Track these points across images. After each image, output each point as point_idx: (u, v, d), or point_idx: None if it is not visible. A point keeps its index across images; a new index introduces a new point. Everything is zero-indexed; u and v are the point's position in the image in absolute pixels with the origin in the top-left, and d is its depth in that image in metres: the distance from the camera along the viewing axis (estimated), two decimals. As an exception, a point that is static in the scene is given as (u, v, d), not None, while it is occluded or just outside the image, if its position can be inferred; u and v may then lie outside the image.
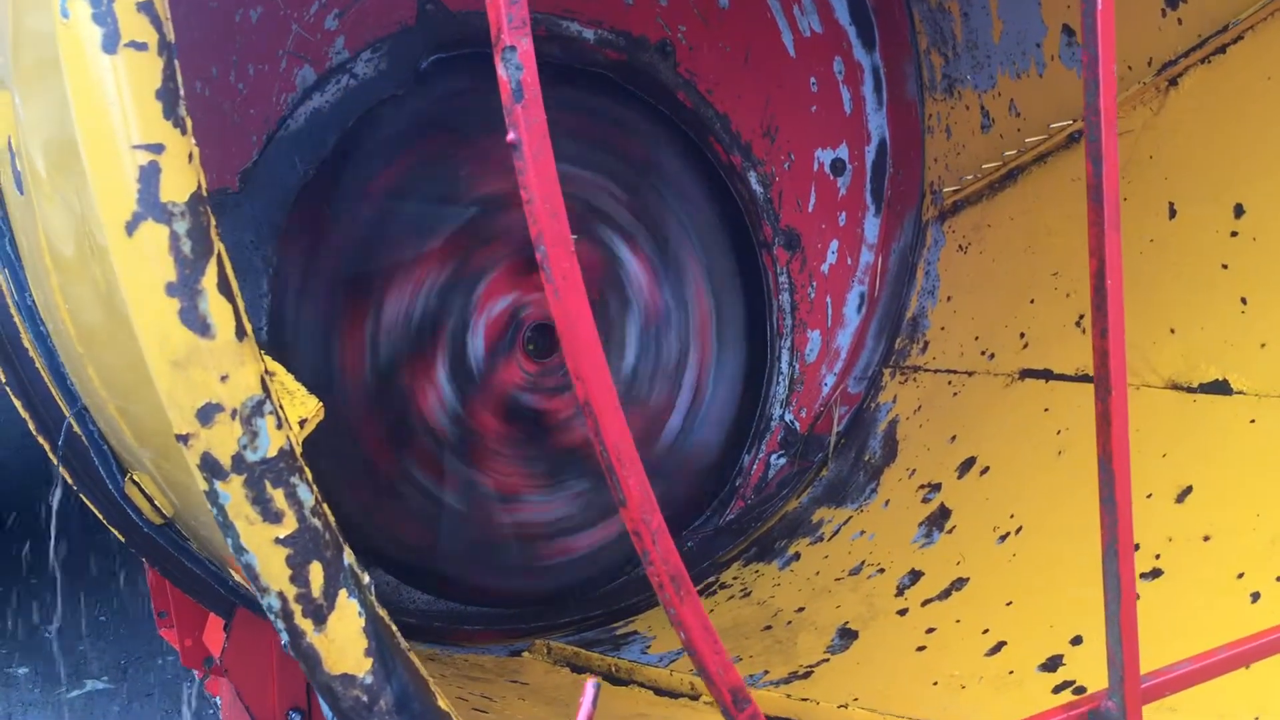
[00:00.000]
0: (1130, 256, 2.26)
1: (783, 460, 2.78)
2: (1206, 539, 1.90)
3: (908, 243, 2.81)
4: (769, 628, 2.33)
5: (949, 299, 2.72)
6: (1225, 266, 2.13)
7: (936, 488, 2.46)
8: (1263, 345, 2.04)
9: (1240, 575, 1.85)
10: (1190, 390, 2.12)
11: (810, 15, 2.74)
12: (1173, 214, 2.23)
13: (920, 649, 2.10)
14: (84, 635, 3.54)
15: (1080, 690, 1.85)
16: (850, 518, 2.57)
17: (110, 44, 0.69)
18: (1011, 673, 1.94)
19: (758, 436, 2.77)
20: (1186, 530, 1.97)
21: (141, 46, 0.69)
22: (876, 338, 2.79)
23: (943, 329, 2.71)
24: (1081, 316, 2.39)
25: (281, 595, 0.75)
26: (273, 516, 0.74)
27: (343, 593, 0.76)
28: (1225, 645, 0.88)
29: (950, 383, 2.61)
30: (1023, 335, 2.51)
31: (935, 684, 1.98)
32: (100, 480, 1.87)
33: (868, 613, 2.26)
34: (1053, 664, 1.93)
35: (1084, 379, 2.34)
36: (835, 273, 2.82)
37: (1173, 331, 2.19)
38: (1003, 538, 2.24)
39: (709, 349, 2.69)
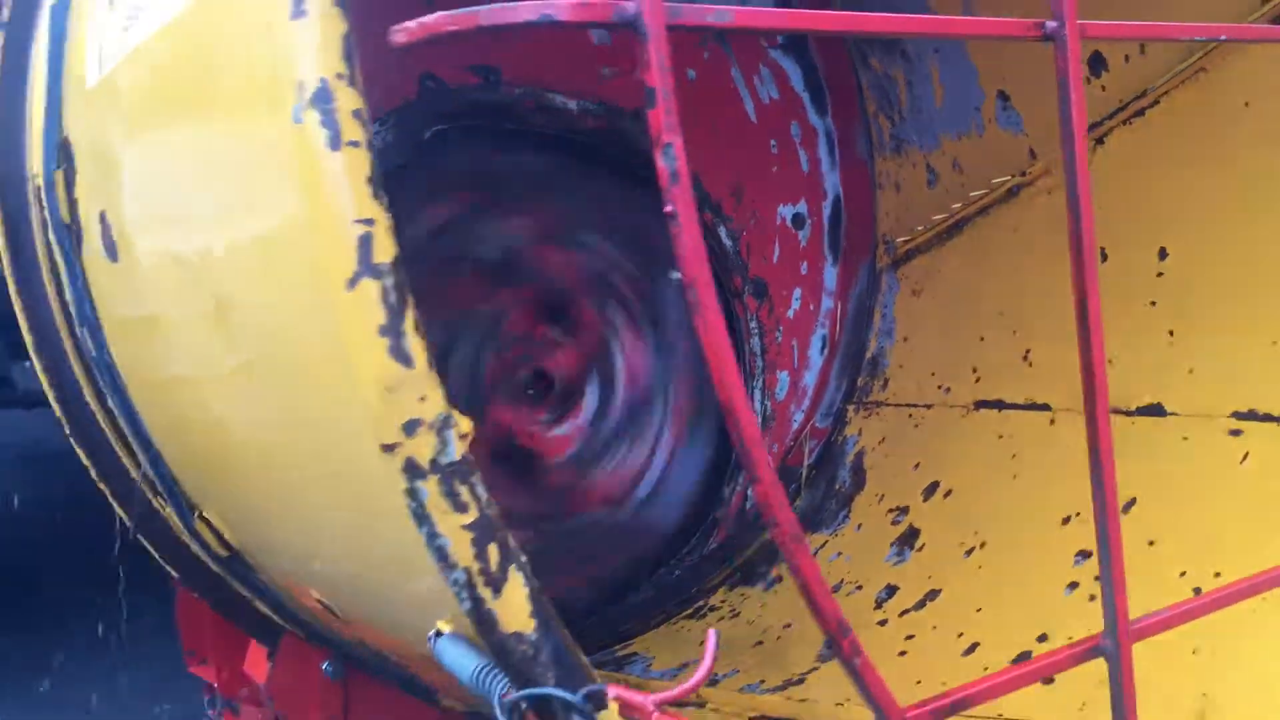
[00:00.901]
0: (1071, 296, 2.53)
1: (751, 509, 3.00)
2: (1151, 544, 2.15)
3: (864, 289, 3.06)
4: (760, 643, 2.53)
5: (905, 339, 2.97)
6: (1153, 303, 2.41)
7: (904, 510, 2.69)
8: (1190, 371, 2.32)
9: (1182, 574, 2.10)
10: (1129, 414, 2.38)
11: (769, 84, 3.00)
12: (1104, 258, 2.49)
13: (902, 653, 2.32)
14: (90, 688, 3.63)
15: (1049, 680, 2.09)
16: (826, 542, 2.79)
17: (335, 143, 0.89)
18: (986, 669, 2.17)
19: (735, 470, 2.98)
20: (1132, 537, 2.20)
21: (356, 144, 0.90)
22: (839, 377, 3.03)
23: (901, 366, 2.96)
24: (1028, 351, 2.66)
25: (467, 570, 0.94)
26: (460, 507, 0.93)
27: (512, 567, 0.95)
28: (1204, 594, 1.10)
29: (911, 415, 2.86)
30: (975, 370, 2.76)
31: (919, 683, 2.20)
32: (158, 521, 2.03)
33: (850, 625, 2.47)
34: (1023, 659, 2.16)
35: (1033, 407, 2.60)
36: (799, 318, 3.06)
37: (1111, 362, 2.44)
38: (969, 552, 2.48)
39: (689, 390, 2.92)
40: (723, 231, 2.97)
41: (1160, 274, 2.40)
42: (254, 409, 1.29)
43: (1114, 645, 1.04)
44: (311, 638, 1.98)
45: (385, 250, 0.90)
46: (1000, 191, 2.75)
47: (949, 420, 2.76)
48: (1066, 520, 2.35)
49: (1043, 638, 2.17)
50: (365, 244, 0.90)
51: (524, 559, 0.97)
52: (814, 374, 3.06)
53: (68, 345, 1.95)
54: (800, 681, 2.33)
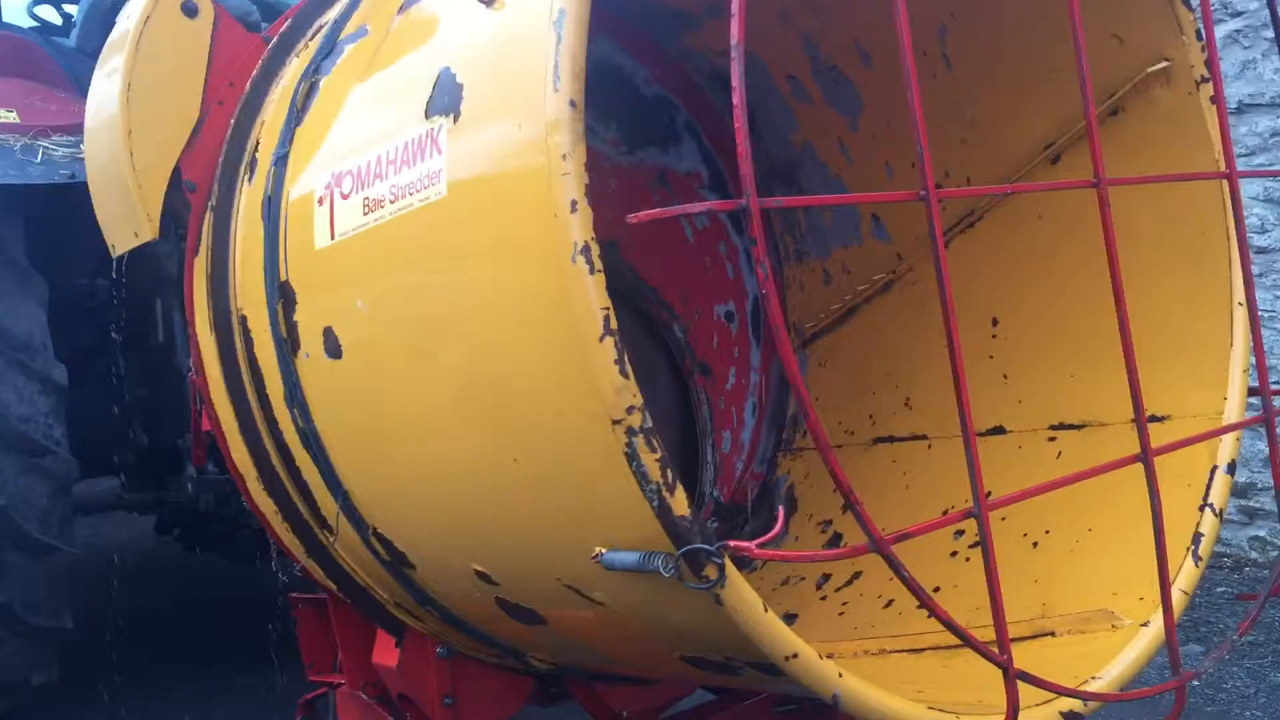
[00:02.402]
0: (940, 355, 3.55)
1: (715, 524, 3.91)
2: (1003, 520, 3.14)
3: (781, 365, 4.05)
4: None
5: (817, 399, 3.96)
6: (991, 356, 3.44)
7: (829, 522, 3.65)
8: (1019, 401, 3.35)
9: (1024, 534, 3.09)
10: (982, 435, 3.39)
11: (700, 216, 4.01)
12: (955, 328, 3.52)
13: (840, 613, 3.25)
14: None
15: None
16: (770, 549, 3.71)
17: (592, 271, 1.81)
18: (901, 613, 3.11)
19: (697, 507, 3.89)
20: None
21: (598, 270, 1.82)
22: (769, 432, 3.99)
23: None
24: (908, 398, 3.66)
25: (657, 484, 1.83)
26: (653, 450, 1.83)
27: (677, 481, 1.86)
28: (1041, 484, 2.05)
29: (826, 454, 3.82)
30: (871, 416, 3.75)
31: (855, 628, 3.13)
32: (321, 550, 2.85)
33: (800, 603, 3.39)
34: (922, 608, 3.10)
35: (915, 438, 3.59)
36: (735, 390, 4.03)
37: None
38: (880, 543, 3.43)
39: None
40: (675, 327, 3.93)
41: (994, 335, 3.45)
42: (474, 435, 2.17)
43: (979, 510, 1.99)
44: (445, 619, 2.79)
45: (614, 323, 1.83)
46: (878, 285, 3.78)
47: (854, 454, 3.74)
48: (945, 511, 3.33)
49: (936, 589, 3.12)
50: (607, 320, 1.82)
51: (677, 478, 1.88)
52: (749, 431, 4.02)
53: (262, 426, 2.78)
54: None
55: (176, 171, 2.93)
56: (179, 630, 5.41)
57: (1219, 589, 5.83)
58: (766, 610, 1.98)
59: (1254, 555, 6.06)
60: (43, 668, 4.03)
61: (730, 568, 1.92)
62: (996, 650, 2.06)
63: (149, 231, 2.89)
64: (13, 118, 3.85)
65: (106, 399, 4.44)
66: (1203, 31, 2.81)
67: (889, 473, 3.60)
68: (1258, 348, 2.70)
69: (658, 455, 1.85)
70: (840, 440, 3.80)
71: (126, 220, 2.93)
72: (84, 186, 3.92)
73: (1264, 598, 2.60)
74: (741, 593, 1.93)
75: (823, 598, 3.38)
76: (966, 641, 1.98)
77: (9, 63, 4.24)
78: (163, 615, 5.45)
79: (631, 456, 1.85)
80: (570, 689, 3.12)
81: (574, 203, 1.80)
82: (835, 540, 3.57)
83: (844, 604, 3.30)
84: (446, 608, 2.74)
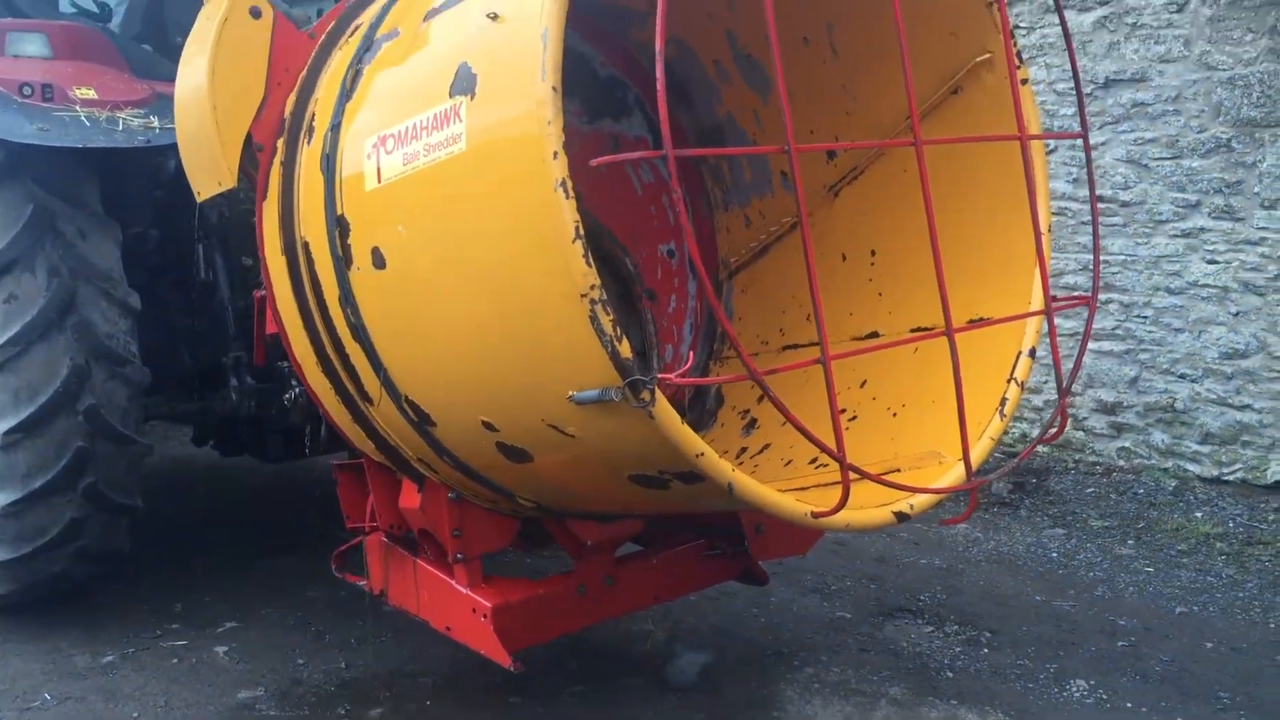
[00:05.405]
0: (830, 278, 4.56)
1: (660, 418, 4.91)
2: (863, 384, 4.18)
3: (713, 292, 5.05)
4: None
5: (740, 319, 4.98)
6: (870, 279, 4.46)
7: (747, 411, 4.67)
8: (889, 312, 4.38)
9: (884, 405, 4.13)
10: (860, 338, 4.42)
11: (646, 172, 5.00)
12: (844, 259, 4.56)
13: (753, 472, 4.26)
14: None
15: (823, 464, 4.06)
16: (704, 437, 4.72)
17: (567, 196, 2.81)
18: (797, 468, 4.14)
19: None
20: (864, 394, 4.24)
21: (570, 197, 2.82)
22: (703, 345, 5.00)
23: (739, 334, 4.95)
24: (808, 314, 4.68)
25: (611, 337, 2.82)
26: (607, 314, 2.83)
27: (625, 335, 2.86)
28: (868, 345, 3.04)
29: (747, 360, 4.84)
30: (781, 330, 4.77)
31: (764, 481, 4.14)
32: (364, 418, 3.83)
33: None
34: (814, 461, 4.13)
35: (813, 344, 4.62)
36: (675, 313, 5.03)
37: (851, 313, 4.50)
38: (783, 424, 4.45)
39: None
40: (628, 260, 4.92)
41: (873, 263, 4.47)
42: (485, 317, 3.15)
43: (824, 359, 3.01)
44: (455, 467, 3.78)
45: (581, 230, 2.82)
46: (786, 227, 4.79)
47: (768, 359, 4.75)
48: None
49: (815, 459, 4.14)
50: (577, 228, 2.81)
51: (624, 334, 2.88)
52: (686, 345, 5.03)
53: (319, 323, 3.75)
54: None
55: (249, 136, 3.87)
56: (203, 528, 6.39)
57: (1088, 490, 6.93)
58: (682, 422, 2.99)
59: (1120, 463, 7.16)
60: (120, 539, 4.99)
61: (658, 393, 2.92)
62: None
63: (230, 180, 3.84)
64: (92, 94, 4.76)
65: (156, 328, 5.37)
66: (1016, 29, 3.83)
67: (794, 371, 4.62)
68: (1042, 268, 3.73)
69: (611, 318, 2.84)
70: (756, 349, 4.82)
71: (212, 172, 3.88)
72: (143, 152, 4.89)
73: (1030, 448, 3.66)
74: (666, 410, 2.94)
75: (740, 464, 4.39)
76: (809, 438, 2.99)
77: (82, 48, 5.14)
78: (185, 517, 6.44)
79: (593, 318, 2.84)
80: (548, 527, 4.13)
81: (555, 153, 2.79)
82: (751, 424, 4.60)
83: (755, 466, 4.33)
84: (458, 457, 3.73)
